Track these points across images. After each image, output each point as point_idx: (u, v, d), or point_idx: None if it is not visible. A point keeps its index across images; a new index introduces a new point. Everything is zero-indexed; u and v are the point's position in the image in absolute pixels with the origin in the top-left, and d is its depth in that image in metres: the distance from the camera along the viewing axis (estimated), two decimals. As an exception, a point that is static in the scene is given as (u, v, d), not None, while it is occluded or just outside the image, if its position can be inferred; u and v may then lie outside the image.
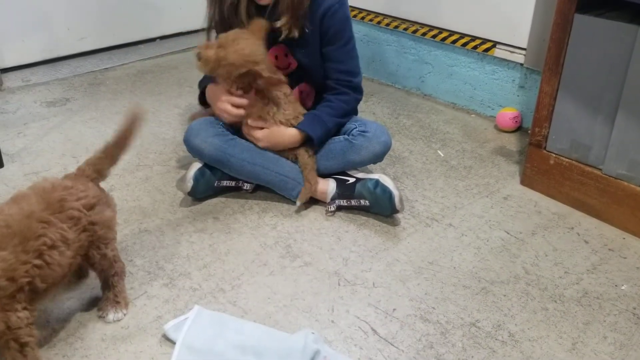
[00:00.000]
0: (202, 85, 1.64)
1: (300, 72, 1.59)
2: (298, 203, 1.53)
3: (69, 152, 1.82)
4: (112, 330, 1.15)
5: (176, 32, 2.82)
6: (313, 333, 1.10)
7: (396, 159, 1.82)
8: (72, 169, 1.70)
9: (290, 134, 1.51)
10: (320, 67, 1.57)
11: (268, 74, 1.44)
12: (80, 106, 2.15)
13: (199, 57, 1.46)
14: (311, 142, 1.52)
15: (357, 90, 1.59)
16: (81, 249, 1.05)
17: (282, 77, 1.49)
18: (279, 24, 1.48)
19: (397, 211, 1.48)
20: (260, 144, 1.53)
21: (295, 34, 1.49)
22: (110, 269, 1.14)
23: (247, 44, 1.44)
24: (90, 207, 1.06)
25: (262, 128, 1.52)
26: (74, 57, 2.54)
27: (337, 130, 1.59)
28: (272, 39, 1.53)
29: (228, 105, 1.50)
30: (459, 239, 1.46)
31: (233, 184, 1.59)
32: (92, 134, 1.94)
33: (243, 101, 1.49)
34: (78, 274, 1.25)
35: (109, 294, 1.17)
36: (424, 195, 1.64)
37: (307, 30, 1.50)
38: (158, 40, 2.79)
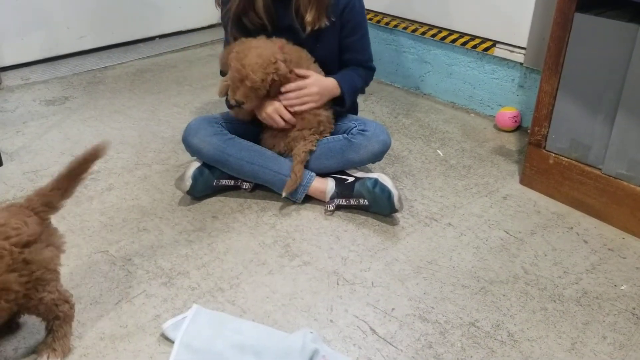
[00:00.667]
0: None
1: None
2: (283, 194, 1.53)
3: (67, 150, 1.82)
4: (111, 329, 1.15)
5: (175, 31, 2.82)
6: (312, 332, 1.10)
7: (395, 158, 1.82)
8: (70, 167, 1.72)
9: (330, 81, 1.54)
10: (336, 59, 1.60)
11: (288, 72, 1.47)
12: (79, 105, 2.15)
13: (236, 104, 1.47)
14: (341, 99, 1.56)
15: (374, 72, 1.68)
16: (8, 292, 0.95)
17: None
18: (308, 18, 1.48)
19: (396, 210, 1.48)
20: (314, 88, 1.51)
21: (322, 26, 1.51)
22: (49, 313, 1.04)
23: (254, 55, 1.42)
24: (24, 245, 0.96)
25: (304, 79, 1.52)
26: (73, 56, 2.54)
27: (353, 101, 1.63)
28: (287, 37, 1.53)
29: (277, 116, 1.51)
30: (458, 239, 1.45)
31: (232, 183, 1.58)
32: (91, 132, 1.94)
33: (293, 120, 1.53)
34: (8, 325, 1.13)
35: (47, 338, 1.07)
36: (423, 195, 1.63)
37: (328, 23, 1.51)
38: (157, 39, 2.79)
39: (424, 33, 2.20)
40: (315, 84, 1.51)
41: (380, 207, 1.49)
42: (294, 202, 1.56)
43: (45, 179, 1.65)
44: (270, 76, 1.43)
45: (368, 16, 2.36)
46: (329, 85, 1.54)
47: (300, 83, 1.50)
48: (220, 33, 1.63)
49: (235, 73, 1.44)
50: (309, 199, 1.56)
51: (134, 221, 1.48)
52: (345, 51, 1.60)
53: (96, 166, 1.70)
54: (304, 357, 1.04)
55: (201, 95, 2.24)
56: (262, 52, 1.43)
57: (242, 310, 1.21)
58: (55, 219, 1.46)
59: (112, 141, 1.88)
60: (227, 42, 1.60)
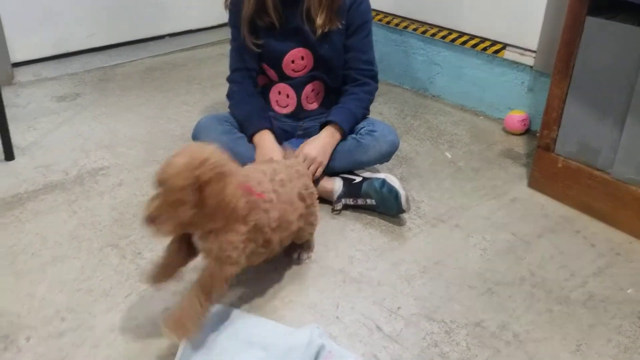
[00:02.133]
0: (243, 114, 1.59)
1: (313, 72, 1.61)
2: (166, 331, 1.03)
3: (78, 146, 1.84)
4: (121, 321, 1.16)
5: (185, 29, 2.83)
6: (318, 328, 1.11)
7: (403, 160, 1.82)
8: (81, 163, 1.74)
9: (325, 136, 1.51)
10: (341, 59, 1.60)
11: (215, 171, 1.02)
12: (90, 101, 2.17)
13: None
14: (342, 134, 1.53)
15: (376, 79, 1.65)
16: None
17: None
18: (318, 21, 1.49)
19: (403, 211, 1.49)
20: (311, 153, 1.47)
21: (333, 28, 1.52)
22: None
23: (184, 155, 1.04)
24: None
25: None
26: (84, 53, 2.56)
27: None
28: (295, 38, 1.54)
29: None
30: (465, 240, 1.46)
31: (240, 180, 1.58)
32: (101, 129, 1.96)
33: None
34: None
35: None
36: (430, 196, 1.64)
37: (340, 26, 1.52)
38: (167, 37, 2.80)
39: (433, 35, 2.20)
40: (308, 149, 1.47)
41: (387, 207, 1.49)
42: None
43: (56, 174, 1.67)
44: (193, 179, 0.99)
45: (377, 17, 2.37)
46: (324, 140, 1.50)
47: (299, 160, 1.42)
48: (228, 32, 1.63)
49: (155, 178, 1.04)
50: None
51: (144, 217, 1.49)
52: (347, 50, 1.59)
53: (107, 162, 1.74)
54: (311, 352, 1.05)
55: (210, 94, 2.26)
56: (194, 151, 1.03)
57: (249, 306, 1.21)
58: (67, 214, 1.49)
59: (122, 138, 1.90)
60: (233, 40, 1.61)
